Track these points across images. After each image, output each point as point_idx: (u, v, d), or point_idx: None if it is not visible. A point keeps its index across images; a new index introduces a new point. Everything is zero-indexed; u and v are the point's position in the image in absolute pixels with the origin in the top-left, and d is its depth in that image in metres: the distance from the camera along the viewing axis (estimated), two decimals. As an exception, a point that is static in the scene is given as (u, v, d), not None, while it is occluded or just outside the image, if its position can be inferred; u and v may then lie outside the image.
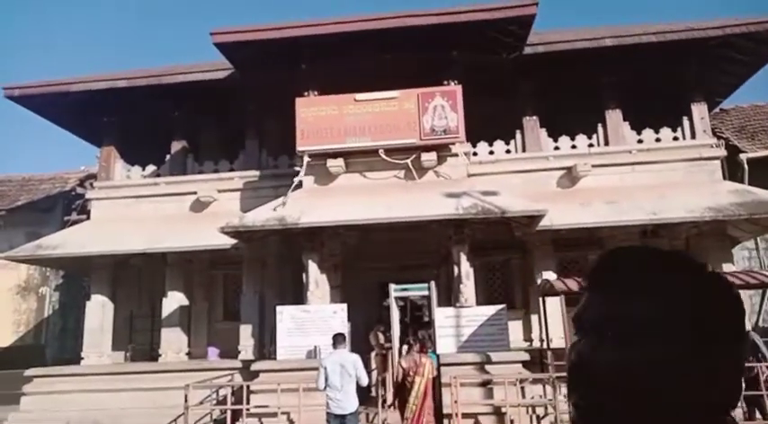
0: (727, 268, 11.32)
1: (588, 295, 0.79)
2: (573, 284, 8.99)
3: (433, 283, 11.12)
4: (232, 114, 13.41)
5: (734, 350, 0.70)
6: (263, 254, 12.63)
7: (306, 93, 11.59)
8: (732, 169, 12.41)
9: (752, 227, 11.85)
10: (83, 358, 12.53)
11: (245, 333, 12.57)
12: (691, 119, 11.99)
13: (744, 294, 11.83)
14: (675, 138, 12.04)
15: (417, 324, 12.46)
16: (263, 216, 10.71)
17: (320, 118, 11.16)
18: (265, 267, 12.89)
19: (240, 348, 12.44)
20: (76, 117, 13.79)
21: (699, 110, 12.01)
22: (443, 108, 10.88)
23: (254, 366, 10.51)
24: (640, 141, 12.12)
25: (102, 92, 12.55)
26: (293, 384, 9.50)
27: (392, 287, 11.37)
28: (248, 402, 10.04)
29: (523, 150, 12.39)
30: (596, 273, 0.79)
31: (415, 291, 11.59)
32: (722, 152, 11.82)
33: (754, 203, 10.66)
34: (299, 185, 11.47)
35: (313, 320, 10.91)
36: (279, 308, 11.03)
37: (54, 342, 16.03)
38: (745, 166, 12.26)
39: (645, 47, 11.01)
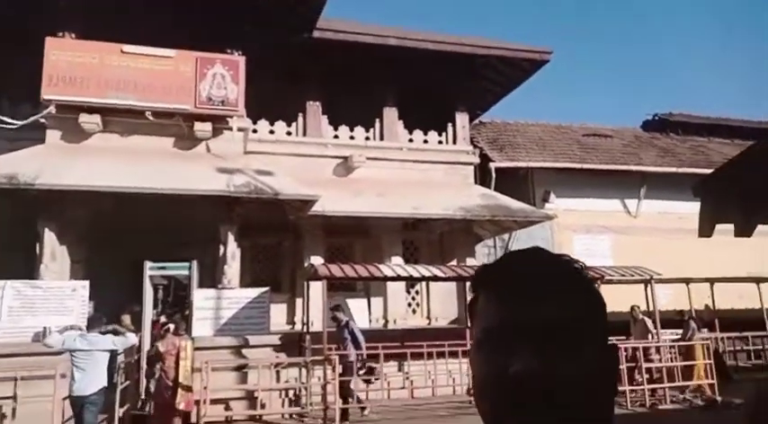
0: (470, 261, 12.75)
1: (500, 300, 0.71)
2: (336, 270, 9.19)
3: (195, 262, 10.42)
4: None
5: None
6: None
7: (60, 34, 9.88)
8: (483, 175, 13.99)
9: (493, 227, 13.56)
10: None
11: (-47, 312, 10.31)
12: (454, 126, 13.21)
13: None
14: (440, 142, 13.16)
15: (182, 306, 11.62)
16: (-12, 171, 8.85)
17: (76, 65, 9.61)
18: (-11, 232, 10.72)
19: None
20: None
21: (461, 119, 13.30)
22: (224, 77, 10.23)
23: (-43, 351, 8.66)
24: (411, 140, 12.97)
25: None
26: (9, 372, 8.05)
27: (147, 264, 10.35)
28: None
29: (304, 134, 12.35)
30: (504, 277, 0.73)
31: (175, 270, 10.73)
32: (476, 159, 13.27)
33: (496, 206, 12.17)
34: (40, 140, 9.76)
35: (45, 297, 9.42)
36: (0, 282, 9.25)
37: None
38: (493, 174, 13.92)
39: (423, 52, 11.77)
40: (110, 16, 9.87)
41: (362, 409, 9.12)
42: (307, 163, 11.97)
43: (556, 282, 0.71)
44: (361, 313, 12.93)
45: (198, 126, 10.18)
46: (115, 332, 8.34)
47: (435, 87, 12.78)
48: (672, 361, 10.99)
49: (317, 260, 11.58)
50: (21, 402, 8.17)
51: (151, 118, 9.95)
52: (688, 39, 58.59)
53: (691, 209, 15.98)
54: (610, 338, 0.75)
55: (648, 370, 10.39)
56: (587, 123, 18.38)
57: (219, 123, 10.46)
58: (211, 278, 10.93)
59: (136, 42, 9.84)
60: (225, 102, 10.21)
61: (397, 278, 9.71)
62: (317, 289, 11.10)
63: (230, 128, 10.42)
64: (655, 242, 14.96)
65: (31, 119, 9.82)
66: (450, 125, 13.19)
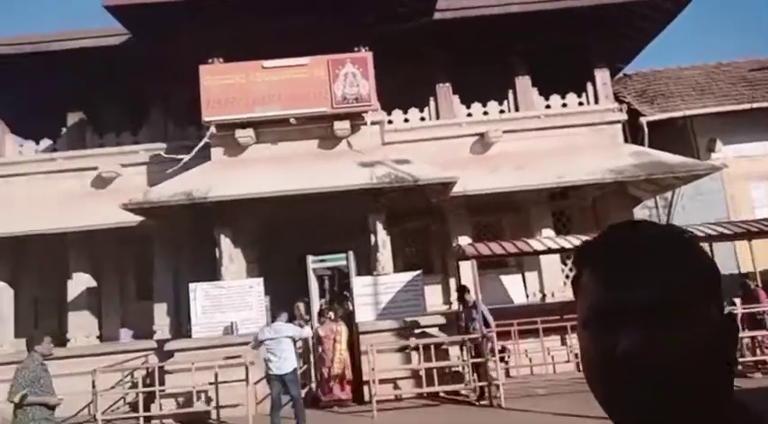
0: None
1: (606, 277, 0.71)
2: (484, 248, 9.21)
3: (350, 253, 11.11)
4: (133, 83, 12.59)
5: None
6: (175, 230, 12.12)
7: (210, 61, 11.04)
8: (633, 132, 13.00)
9: (651, 187, 12.57)
10: (-19, 348, 11.70)
11: (160, 312, 12.15)
12: (594, 85, 12.43)
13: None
14: (580, 104, 12.46)
15: (341, 294, 12.51)
16: (169, 190, 10.24)
17: (227, 86, 10.69)
18: (178, 243, 12.41)
19: (155, 328, 12.02)
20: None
21: (601, 76, 12.46)
22: (354, 75, 10.69)
23: (168, 346, 10.20)
24: (548, 106, 12.47)
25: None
26: (208, 362, 9.30)
27: (310, 258, 11.27)
28: (163, 383, 9.75)
29: (437, 117, 12.45)
30: (608, 253, 0.72)
31: (333, 262, 11.55)
32: (623, 116, 12.37)
33: (652, 164, 11.27)
34: (207, 157, 11.02)
35: (228, 296, 10.67)
36: (191, 285, 10.69)
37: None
38: (645, 129, 12.87)
39: (550, 14, 11.21)
40: (249, 37, 10.78)
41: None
42: (443, 145, 12.06)
43: (660, 256, 0.69)
44: (516, 288, 12.82)
45: (337, 125, 10.78)
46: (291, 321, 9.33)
47: (567, 47, 12.10)
48: None
49: (464, 240, 11.70)
50: (221, 387, 9.40)
51: (295, 123, 10.73)
52: None
53: None
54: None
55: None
56: (753, 56, 16.13)
57: (356, 119, 10.97)
58: (366, 266, 11.58)
59: (273, 56, 10.65)
60: (358, 99, 10.68)
61: (547, 252, 9.47)
62: (467, 269, 11.28)
63: (366, 123, 10.87)
64: None
65: (198, 146, 11.11)
66: (589, 84, 12.43)
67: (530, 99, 12.40)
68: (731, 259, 12.86)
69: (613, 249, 0.72)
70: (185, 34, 10.84)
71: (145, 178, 12.17)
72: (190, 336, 10.72)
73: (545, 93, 12.42)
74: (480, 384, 8.97)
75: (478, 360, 8.99)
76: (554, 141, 11.99)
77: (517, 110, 12.41)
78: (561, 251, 9.49)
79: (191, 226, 12.01)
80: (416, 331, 9.86)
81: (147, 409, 9.51)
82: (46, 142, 12.82)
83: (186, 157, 10.89)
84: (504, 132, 11.92)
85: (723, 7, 48.66)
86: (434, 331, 9.93)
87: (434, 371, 9.07)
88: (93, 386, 9.17)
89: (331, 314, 9.67)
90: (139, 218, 10.80)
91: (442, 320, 10.14)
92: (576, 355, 10.39)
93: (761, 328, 9.80)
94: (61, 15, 54.66)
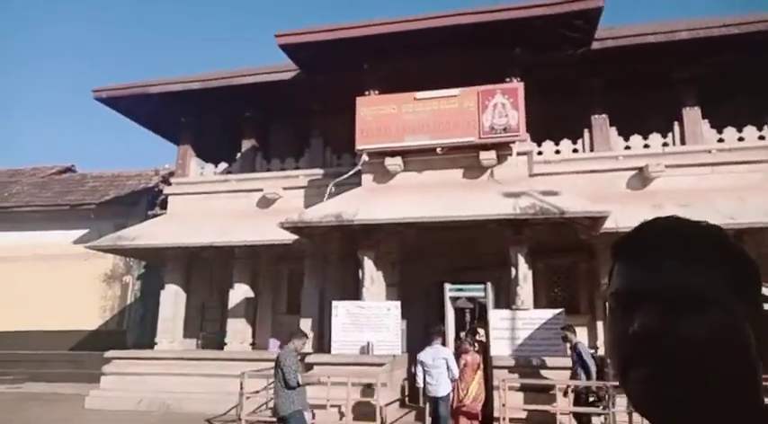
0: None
1: (630, 266, 0.75)
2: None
3: (489, 284, 10.92)
4: (298, 114, 13.81)
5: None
6: (325, 250, 12.88)
7: (367, 93, 11.73)
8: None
9: None
10: (156, 344, 13.31)
11: (305, 326, 12.84)
12: (778, 117, 11.03)
13: None
14: (761, 138, 11.12)
15: (474, 325, 12.27)
16: (322, 212, 10.94)
17: (380, 116, 11.25)
18: (327, 262, 13.14)
19: (300, 341, 12.75)
20: (156, 117, 14.71)
21: (788, 107, 11.03)
22: (504, 106, 10.65)
23: (309, 359, 10.75)
24: (721, 140, 11.30)
25: (178, 93, 13.31)
26: (343, 378, 9.64)
27: (447, 286, 11.28)
28: (303, 394, 10.27)
29: (591, 149, 11.89)
30: (637, 245, 0.76)
31: (471, 292, 11.43)
32: (816, 152, 10.79)
33: None
34: (359, 183, 11.63)
35: (367, 316, 11.01)
36: (334, 303, 11.22)
37: (135, 328, 17.13)
38: None
39: (724, 40, 10.24)
40: (403, 70, 11.30)
41: None
42: (596, 179, 11.46)
43: (684, 248, 0.71)
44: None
45: (483, 155, 10.78)
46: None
47: (744, 75, 10.94)
48: None
49: (615, 281, 10.91)
50: (352, 404, 9.66)
51: (441, 153, 10.94)
52: None
53: None
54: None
55: None
56: None
57: (503, 150, 10.88)
58: (506, 299, 11.27)
59: (425, 88, 11.03)
60: (507, 129, 10.60)
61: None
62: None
63: (514, 154, 10.73)
64: None
65: (350, 173, 11.83)
66: (771, 116, 11.08)
67: (698, 131, 11.35)
68: None
69: (641, 241, 0.75)
70: (347, 69, 11.68)
71: (302, 200, 13.14)
72: (329, 351, 11.23)
73: (717, 126, 11.29)
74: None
75: (585, 410, 8.36)
76: (727, 178, 10.81)
77: (683, 143, 11.41)
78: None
79: (338, 247, 12.70)
80: (554, 371, 9.33)
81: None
82: (222, 165, 14.46)
83: (338, 179, 11.57)
84: (667, 166, 11.01)
85: None
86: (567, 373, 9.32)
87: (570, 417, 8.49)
88: (241, 388, 9.95)
89: (469, 343, 9.51)
90: (294, 237, 11.65)
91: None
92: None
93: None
94: (237, 56, 61.88)
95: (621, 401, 8.17)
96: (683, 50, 10.60)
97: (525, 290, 10.35)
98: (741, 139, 11.20)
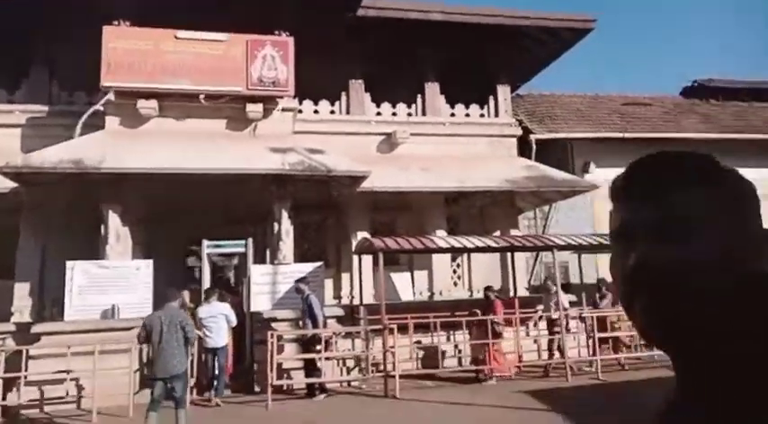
0: (513, 232, 12.89)
1: (627, 203, 0.76)
2: (392, 243, 9.43)
3: (250, 240, 10.79)
4: (12, 33, 11.19)
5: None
6: (49, 201, 10.94)
7: (117, 22, 10.15)
8: (522, 148, 14.02)
9: (534, 199, 13.65)
10: None
11: (21, 292, 10.92)
12: (496, 99, 13.25)
13: (522, 255, 13.63)
14: (482, 115, 13.22)
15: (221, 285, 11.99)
16: (55, 156, 9.26)
17: (132, 52, 9.90)
18: (51, 216, 11.20)
19: (14, 309, 10.78)
20: None
21: (503, 92, 13.33)
22: (273, 59, 10.42)
23: (36, 329, 9.17)
24: (453, 115, 13.06)
25: None
26: (87, 347, 8.52)
27: (205, 243, 10.77)
28: (26, 369, 8.72)
29: (348, 112, 12.52)
30: (634, 182, 0.77)
31: (231, 248, 11.14)
32: (519, 131, 13.32)
33: (541, 177, 12.25)
34: (99, 126, 10.12)
35: (112, 277, 9.86)
36: (69, 263, 9.73)
37: None
38: (534, 146, 13.96)
39: (466, 26, 11.76)
40: (163, 2, 10.08)
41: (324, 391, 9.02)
42: (352, 141, 12.15)
43: (674, 179, 0.73)
44: (405, 286, 13.26)
45: (250, 107, 10.43)
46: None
47: (477, 61, 12.80)
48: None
49: (362, 236, 11.91)
50: (98, 375, 8.63)
51: (204, 101, 10.22)
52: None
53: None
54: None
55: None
56: (625, 93, 18.17)
57: (270, 104, 10.70)
58: (261, 256, 11.31)
59: (188, 27, 10.07)
60: (276, 83, 10.43)
61: (451, 250, 9.96)
62: (367, 263, 11.47)
63: (281, 109, 10.65)
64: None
65: (89, 112, 10.18)
66: (491, 98, 13.23)
67: (437, 105, 12.91)
68: (592, 267, 14.35)
69: (631, 177, 0.77)
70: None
71: (19, 141, 10.86)
72: (57, 318, 9.76)
73: (451, 101, 13.00)
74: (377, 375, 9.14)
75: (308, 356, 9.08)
76: (457, 148, 12.59)
77: (425, 114, 12.85)
78: (464, 250, 9.98)
79: (67, 198, 10.91)
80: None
81: (3, 397, 8.52)
82: None
83: (83, 118, 9.89)
84: (411, 134, 12.30)
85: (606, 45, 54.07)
86: (332, 322, 9.95)
87: (333, 363, 9.11)
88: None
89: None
90: (11, 185, 9.62)
91: (341, 312, 10.20)
92: (460, 350, 10.99)
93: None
94: None
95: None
96: (433, 30, 11.82)
97: (287, 245, 10.54)
98: (467, 115, 13.12)
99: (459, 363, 10.90)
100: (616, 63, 57.29)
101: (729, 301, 0.68)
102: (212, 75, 10.12)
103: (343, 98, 12.49)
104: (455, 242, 9.81)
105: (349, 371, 10.15)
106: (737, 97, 18.40)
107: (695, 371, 0.72)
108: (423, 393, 9.06)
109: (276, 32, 10.78)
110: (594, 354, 10.00)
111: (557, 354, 10.28)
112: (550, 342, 10.50)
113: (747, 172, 0.76)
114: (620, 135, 14.88)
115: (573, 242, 10.58)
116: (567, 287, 13.18)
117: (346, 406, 8.56)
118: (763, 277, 0.70)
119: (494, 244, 10.05)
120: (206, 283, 10.80)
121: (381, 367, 9.21)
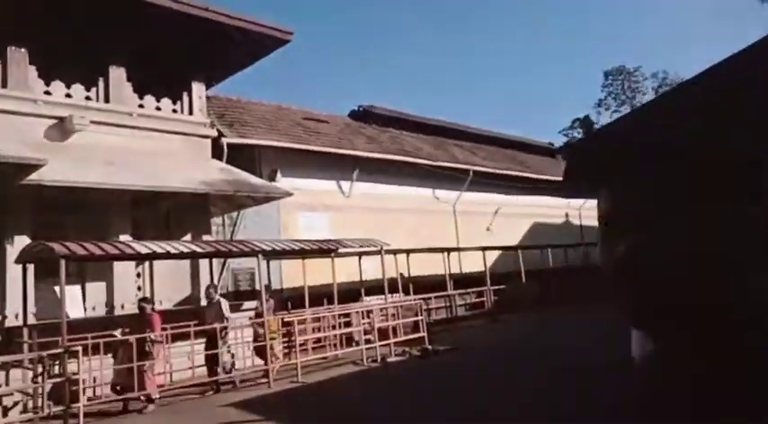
0: (206, 238, 12.28)
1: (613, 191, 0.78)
2: (78, 248, 7.85)
3: None
4: None
5: None
6: None
7: None
8: (214, 150, 13.49)
9: (225, 204, 13.28)
10: None
11: None
12: (190, 96, 12.46)
13: (211, 262, 13.03)
14: (175, 111, 12.24)
15: None
16: None
17: None
18: None
19: None
20: None
21: (198, 89, 12.62)
22: None
23: None
24: (141, 106, 11.74)
25: None
26: None
27: None
28: None
29: (4, 86, 10.00)
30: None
31: None
32: (214, 132, 12.81)
33: (237, 182, 12.00)
34: None
35: None
36: None
37: None
38: (225, 149, 13.57)
39: (162, 9, 10.66)
40: None
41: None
42: (10, 121, 9.76)
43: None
44: (75, 300, 11.27)
45: None
46: None
47: (172, 51, 11.81)
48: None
49: (22, 240, 9.69)
50: None
51: None
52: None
53: (393, 191, 18.48)
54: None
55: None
56: (304, 107, 19.39)
57: None
58: None
59: None
60: None
61: (153, 257, 8.82)
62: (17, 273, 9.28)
63: None
64: (365, 219, 16.86)
65: None
66: (185, 94, 12.38)
67: (123, 93, 11.40)
68: (276, 274, 14.73)
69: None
70: None
71: None
72: None
73: (140, 91, 11.67)
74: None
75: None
76: (148, 143, 11.36)
77: (108, 100, 11.19)
78: (168, 256, 8.96)
79: None
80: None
81: None
82: None
83: None
84: (92, 122, 10.56)
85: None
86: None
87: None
88: None
89: None
90: None
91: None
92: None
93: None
94: None
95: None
96: (121, 5, 10.32)
97: None
98: (159, 109, 11.95)
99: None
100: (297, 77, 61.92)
101: None
102: None
103: (0, 69, 9.95)
104: (158, 248, 8.73)
105: (6, 413, 7.99)
106: (391, 124, 21.64)
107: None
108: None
109: None
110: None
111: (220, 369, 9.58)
112: (211, 357, 9.62)
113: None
114: (305, 147, 15.77)
115: (277, 248, 10.65)
116: (254, 294, 13.19)
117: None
118: None
119: (200, 250, 9.36)
120: None
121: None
